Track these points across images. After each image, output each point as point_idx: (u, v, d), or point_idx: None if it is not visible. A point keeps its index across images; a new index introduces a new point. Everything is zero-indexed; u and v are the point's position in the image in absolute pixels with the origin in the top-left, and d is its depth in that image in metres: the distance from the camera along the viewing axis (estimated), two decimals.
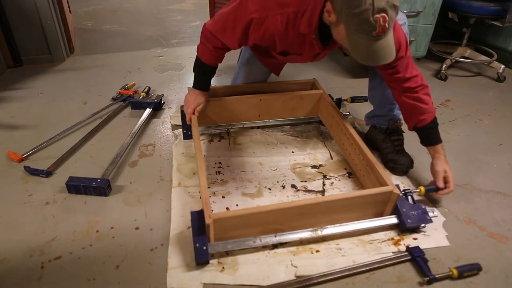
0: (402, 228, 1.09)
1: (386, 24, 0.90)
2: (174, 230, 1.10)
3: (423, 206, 1.11)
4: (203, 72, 1.35)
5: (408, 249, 1.03)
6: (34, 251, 1.03)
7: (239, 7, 1.14)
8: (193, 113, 1.37)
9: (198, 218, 1.01)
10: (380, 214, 1.14)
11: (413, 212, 1.09)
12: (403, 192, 1.14)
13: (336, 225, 1.08)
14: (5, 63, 2.20)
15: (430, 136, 1.23)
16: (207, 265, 0.99)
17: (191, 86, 1.39)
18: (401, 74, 1.16)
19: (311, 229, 1.06)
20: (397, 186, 1.10)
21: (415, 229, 1.10)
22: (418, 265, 0.98)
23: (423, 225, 1.10)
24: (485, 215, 1.19)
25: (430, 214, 1.10)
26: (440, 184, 1.19)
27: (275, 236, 1.03)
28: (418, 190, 1.19)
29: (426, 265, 0.97)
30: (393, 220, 1.10)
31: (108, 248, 1.05)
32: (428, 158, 1.25)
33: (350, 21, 0.92)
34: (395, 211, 1.11)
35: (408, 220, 1.07)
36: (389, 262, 1.00)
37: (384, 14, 0.88)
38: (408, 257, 1.01)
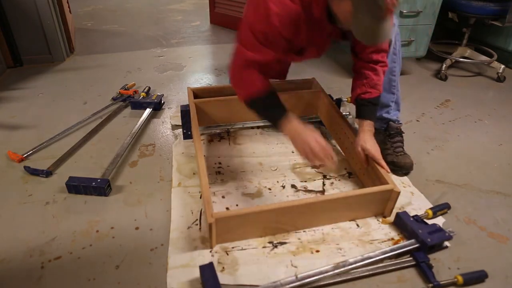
0: (424, 250, 1.01)
1: (393, 8, 0.91)
2: (174, 230, 1.10)
3: (438, 225, 1.07)
4: (267, 103, 1.17)
5: (413, 254, 1.00)
6: (34, 251, 1.03)
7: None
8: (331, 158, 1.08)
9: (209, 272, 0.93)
10: (380, 213, 1.15)
11: (430, 231, 1.04)
12: (413, 217, 1.09)
13: (358, 259, 0.99)
14: (5, 63, 2.20)
15: (367, 110, 1.26)
16: None
17: (245, 100, 1.18)
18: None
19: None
20: (405, 212, 1.09)
21: (437, 248, 1.05)
22: (422, 271, 0.96)
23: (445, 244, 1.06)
24: (485, 215, 1.19)
25: (448, 231, 1.06)
26: (364, 163, 1.21)
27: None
28: (426, 214, 1.14)
29: (431, 271, 0.96)
30: (412, 244, 1.03)
31: (108, 248, 1.05)
32: (428, 157, 1.25)
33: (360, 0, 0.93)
34: (412, 235, 1.04)
35: (428, 239, 1.01)
36: (393, 268, 0.98)
37: None
38: (413, 263, 0.99)
